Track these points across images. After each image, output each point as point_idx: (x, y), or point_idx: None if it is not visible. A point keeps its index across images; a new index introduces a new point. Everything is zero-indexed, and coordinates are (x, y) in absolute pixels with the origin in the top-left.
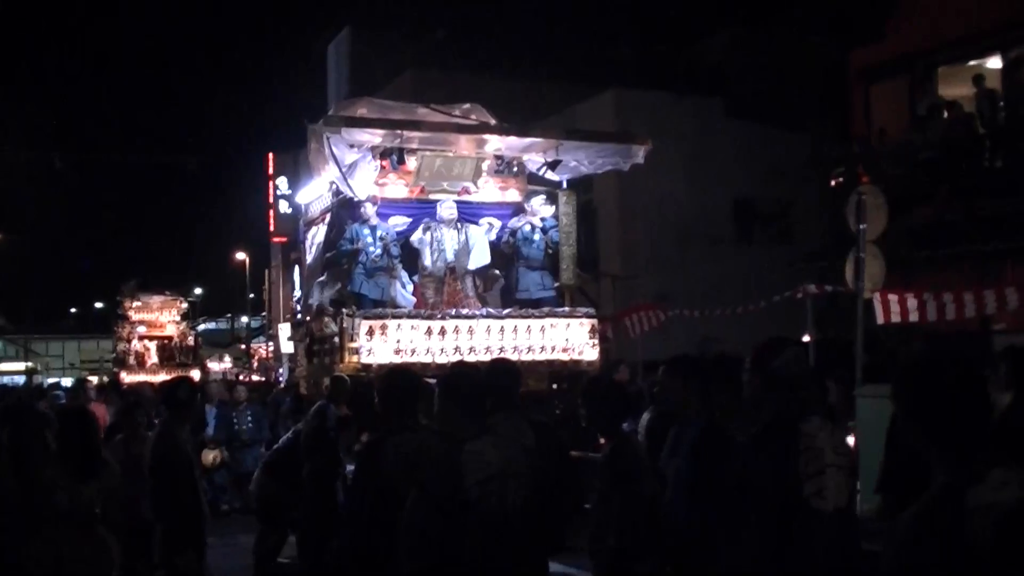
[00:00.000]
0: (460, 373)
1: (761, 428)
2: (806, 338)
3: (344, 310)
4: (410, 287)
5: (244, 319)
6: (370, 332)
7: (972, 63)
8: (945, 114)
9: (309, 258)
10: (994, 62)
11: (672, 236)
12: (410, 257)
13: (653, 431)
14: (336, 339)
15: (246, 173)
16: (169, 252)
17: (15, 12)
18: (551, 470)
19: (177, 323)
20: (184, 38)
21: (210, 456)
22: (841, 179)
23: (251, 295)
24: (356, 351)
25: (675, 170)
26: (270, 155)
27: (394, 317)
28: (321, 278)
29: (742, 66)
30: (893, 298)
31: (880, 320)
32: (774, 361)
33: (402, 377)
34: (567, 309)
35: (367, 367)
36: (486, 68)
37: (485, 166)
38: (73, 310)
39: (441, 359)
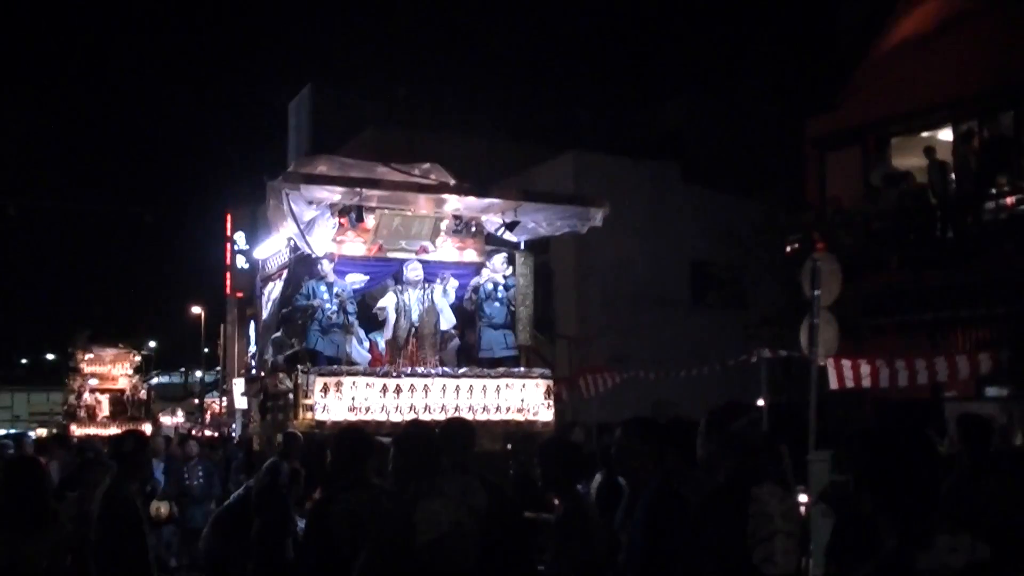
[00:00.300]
0: (413, 431)
1: (712, 491)
2: (760, 402)
3: (299, 366)
4: (367, 344)
5: (198, 373)
6: (324, 389)
7: (924, 134)
8: (900, 185)
9: (265, 313)
10: (945, 134)
11: (628, 298)
12: (366, 315)
13: (605, 493)
14: (290, 395)
15: (203, 226)
16: (123, 304)
17: None
18: (502, 531)
19: (130, 376)
20: (145, 89)
21: (160, 508)
22: (796, 245)
23: (205, 349)
24: (311, 408)
25: (632, 233)
26: (228, 215)
27: (349, 374)
28: (276, 334)
29: (698, 131)
30: (846, 363)
31: (833, 385)
32: (731, 424)
33: (354, 435)
34: (523, 369)
35: (321, 424)
36: (446, 127)
37: (443, 225)
38: (24, 360)
39: (396, 417)
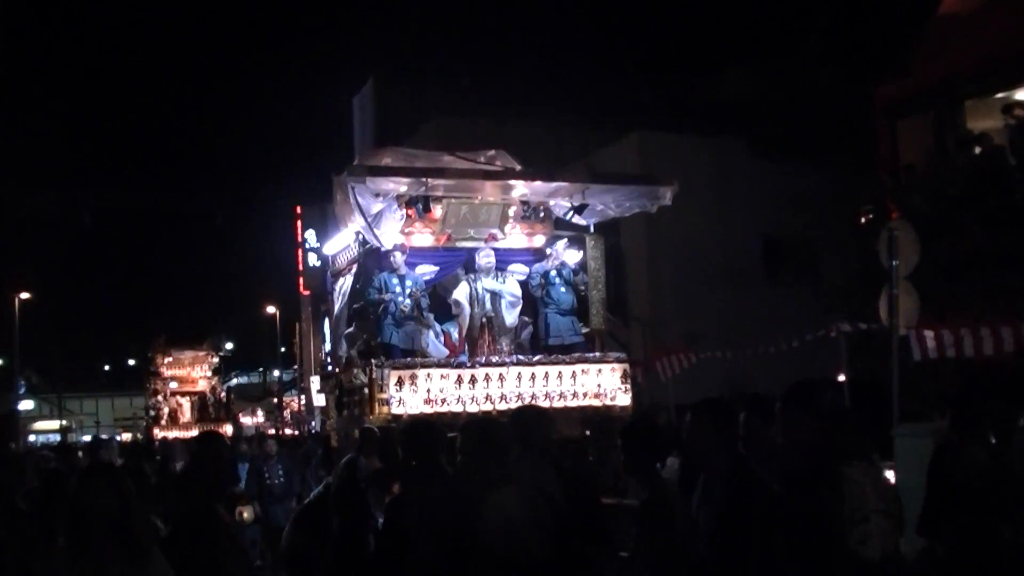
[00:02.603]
0: (478, 419)
1: (801, 472)
2: (841, 377)
3: (373, 360)
4: (441, 336)
5: (276, 372)
6: (399, 382)
7: (1000, 95)
8: (976, 147)
9: (336, 309)
10: (1022, 93)
11: (699, 277)
12: (439, 306)
13: (683, 477)
14: (365, 390)
15: (274, 226)
16: (199, 307)
17: (39, 60)
18: (578, 518)
19: (208, 378)
20: (212, 90)
21: (244, 513)
22: (870, 215)
23: (282, 348)
24: (386, 402)
25: (701, 211)
26: (298, 208)
27: (423, 367)
28: (349, 329)
29: (763, 103)
30: (928, 334)
31: (916, 357)
32: (813, 402)
33: (422, 427)
34: (598, 354)
35: (397, 417)
36: (509, 114)
37: (511, 212)
38: (106, 367)
39: (472, 408)
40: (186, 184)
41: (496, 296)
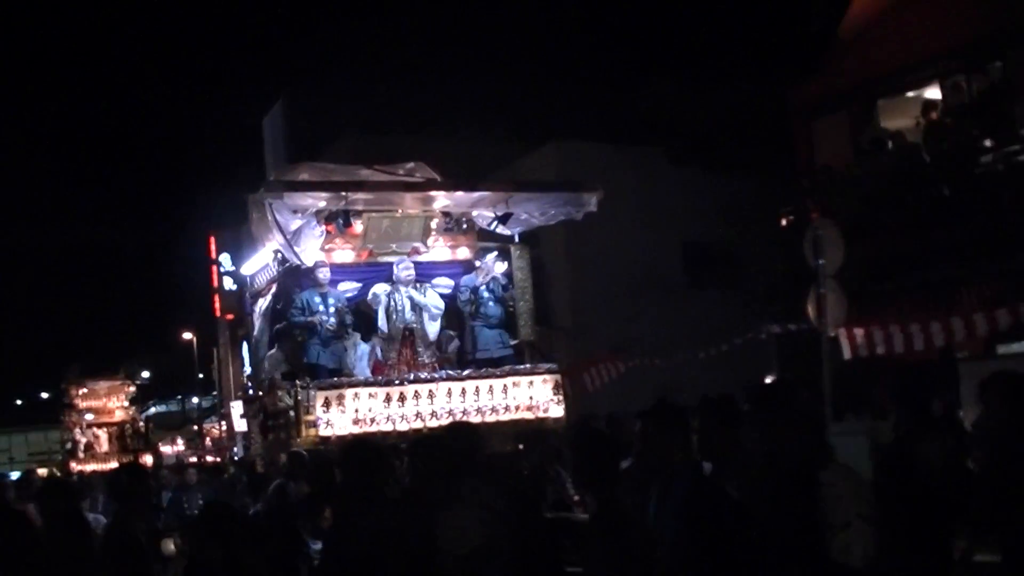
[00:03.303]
0: (428, 439)
1: (775, 479)
2: (768, 379)
3: (298, 382)
4: (365, 349)
5: (195, 399)
6: (326, 403)
7: (911, 93)
8: (890, 145)
9: (256, 331)
10: (932, 92)
11: (622, 286)
12: (362, 322)
13: (637, 483)
14: (291, 413)
15: (187, 251)
16: (113, 335)
17: None
18: (526, 535)
19: (126, 408)
20: (118, 116)
21: (170, 545)
22: (791, 217)
23: (200, 375)
24: (313, 424)
25: (622, 219)
26: (211, 237)
27: (350, 386)
28: (271, 351)
29: (680, 112)
30: (859, 332)
31: (847, 355)
32: (790, 402)
33: (363, 448)
34: (528, 366)
35: (326, 440)
36: (425, 129)
37: (434, 224)
38: (18, 401)
39: (403, 427)
40: (96, 210)
41: (418, 308)
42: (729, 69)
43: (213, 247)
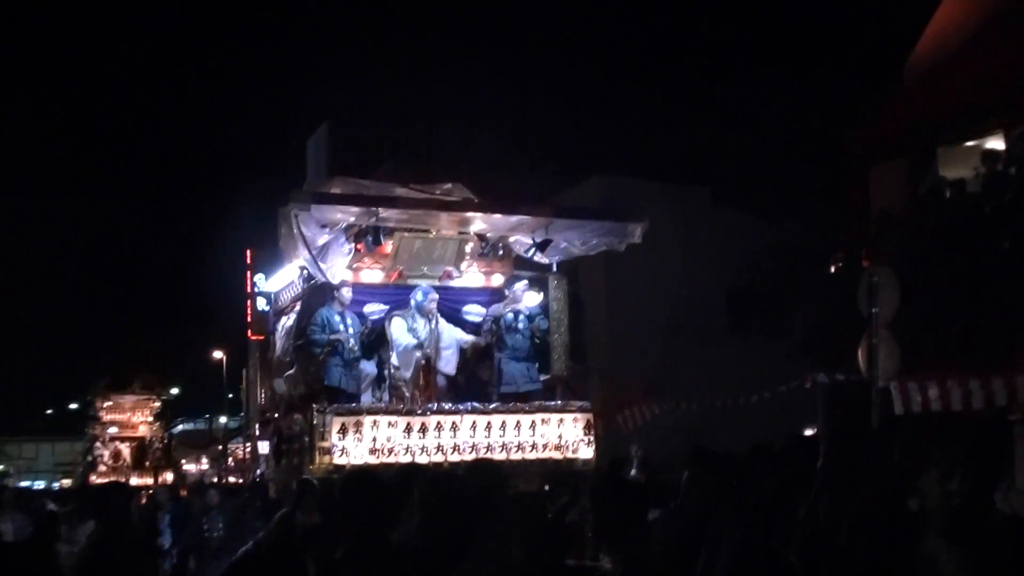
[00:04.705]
0: (443, 478)
1: (866, 551)
2: (809, 431)
3: (314, 405)
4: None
5: (223, 419)
6: (343, 430)
7: (971, 143)
8: (947, 194)
9: (278, 349)
10: (995, 142)
11: (661, 327)
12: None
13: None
14: (306, 437)
15: (226, 270)
16: (147, 352)
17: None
18: None
19: (150, 423)
20: (163, 132)
21: None
22: (842, 263)
23: (230, 395)
24: (328, 451)
25: (664, 258)
26: (248, 252)
27: (369, 413)
28: (290, 371)
29: (727, 154)
30: (913, 386)
31: (899, 410)
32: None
33: (362, 479)
34: (559, 403)
35: (340, 468)
36: (467, 159)
37: (468, 248)
38: (48, 411)
39: (423, 459)
40: (136, 227)
41: (435, 338)
42: (779, 112)
43: (249, 272)
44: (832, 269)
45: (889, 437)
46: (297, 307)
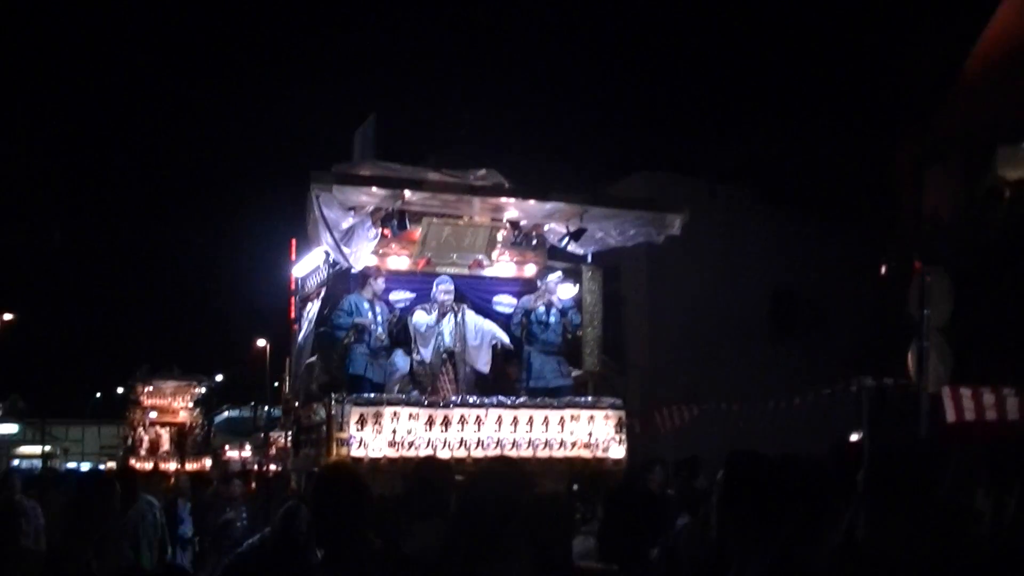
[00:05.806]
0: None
1: None
2: (854, 437)
3: (333, 395)
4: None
5: (267, 408)
6: (361, 421)
7: None
8: (1007, 194)
9: (301, 337)
10: None
11: (703, 328)
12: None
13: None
14: (324, 428)
15: (272, 259)
16: (195, 338)
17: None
18: None
19: (190, 409)
20: (210, 122)
21: None
22: (892, 265)
23: (276, 383)
24: (345, 442)
25: (708, 258)
26: (293, 241)
27: (390, 404)
28: (311, 358)
29: (778, 152)
30: (966, 393)
31: (950, 418)
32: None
33: (342, 477)
34: (590, 399)
35: (357, 461)
36: (511, 153)
37: (500, 236)
38: (97, 395)
39: (444, 454)
40: (184, 215)
41: (460, 331)
42: (833, 113)
43: (293, 255)
44: (882, 271)
45: (940, 449)
46: (322, 293)
